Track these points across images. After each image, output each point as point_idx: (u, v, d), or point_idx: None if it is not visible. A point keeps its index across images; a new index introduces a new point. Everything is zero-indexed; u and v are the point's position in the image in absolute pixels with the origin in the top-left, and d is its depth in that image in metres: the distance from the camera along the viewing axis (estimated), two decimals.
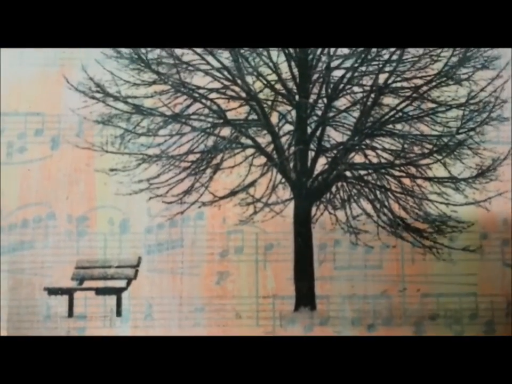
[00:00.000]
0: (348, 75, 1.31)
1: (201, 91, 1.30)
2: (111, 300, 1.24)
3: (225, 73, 1.30)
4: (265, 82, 1.31)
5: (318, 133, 1.30)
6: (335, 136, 1.31)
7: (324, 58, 1.32)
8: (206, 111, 1.30)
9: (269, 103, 1.31)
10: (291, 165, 1.30)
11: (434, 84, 1.31)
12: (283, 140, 1.30)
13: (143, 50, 1.31)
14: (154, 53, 1.31)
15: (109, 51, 1.31)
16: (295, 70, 1.31)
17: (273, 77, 1.31)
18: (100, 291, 1.25)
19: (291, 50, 1.32)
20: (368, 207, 1.29)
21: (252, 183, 1.29)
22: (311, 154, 1.30)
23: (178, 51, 1.31)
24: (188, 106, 1.30)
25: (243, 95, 1.30)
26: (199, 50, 1.31)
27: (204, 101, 1.30)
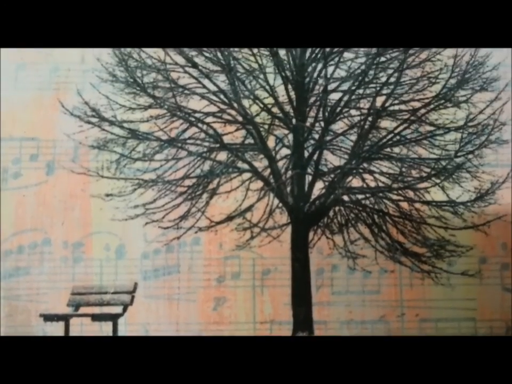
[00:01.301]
0: (345, 98, 1.30)
1: (197, 115, 1.29)
2: (107, 326, 1.23)
3: (222, 96, 1.30)
4: (261, 105, 1.30)
5: (315, 157, 1.30)
6: (332, 160, 1.30)
7: (320, 81, 1.31)
8: (202, 135, 1.29)
9: (266, 126, 1.30)
10: (288, 189, 1.29)
11: (432, 106, 1.30)
12: (280, 164, 1.30)
13: (138, 73, 1.30)
14: (150, 77, 1.30)
15: (104, 75, 1.30)
16: (292, 93, 1.31)
17: (269, 100, 1.30)
18: (96, 317, 1.24)
19: (288, 73, 1.31)
20: (366, 231, 1.28)
21: (249, 208, 1.28)
22: (308, 178, 1.29)
23: (174, 74, 1.30)
24: (184, 131, 1.29)
25: (239, 118, 1.29)
26: (195, 73, 1.30)
27: (200, 125, 1.29)
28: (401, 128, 1.30)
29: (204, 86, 1.30)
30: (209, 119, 1.30)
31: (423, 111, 1.31)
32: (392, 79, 1.31)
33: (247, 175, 1.29)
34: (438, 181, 1.29)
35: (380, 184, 1.30)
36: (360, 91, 1.31)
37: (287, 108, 1.31)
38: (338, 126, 1.31)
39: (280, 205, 1.29)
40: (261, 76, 1.31)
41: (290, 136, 1.31)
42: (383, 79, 1.31)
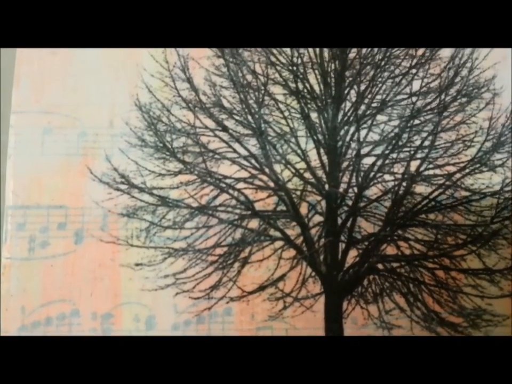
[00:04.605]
0: (379, 162, 1.28)
1: (228, 181, 1.26)
2: None
3: (253, 161, 1.27)
4: (293, 170, 1.27)
5: (348, 224, 1.27)
6: (366, 227, 1.27)
7: (353, 145, 1.28)
8: (233, 202, 1.26)
9: (298, 193, 1.27)
10: (321, 257, 1.26)
11: (467, 170, 1.28)
12: (313, 231, 1.27)
13: (168, 138, 1.27)
14: (179, 141, 1.28)
15: (133, 139, 1.27)
16: (324, 158, 1.28)
17: (301, 165, 1.28)
18: None
19: (320, 136, 1.28)
20: (401, 301, 1.25)
21: (281, 277, 1.25)
22: (342, 246, 1.26)
23: (204, 138, 1.28)
24: (215, 198, 1.26)
25: (271, 184, 1.26)
26: (225, 137, 1.28)
27: (231, 191, 1.26)
28: (436, 193, 1.27)
29: (235, 151, 1.27)
30: (240, 185, 1.27)
31: (458, 175, 1.28)
32: (427, 143, 1.28)
33: (279, 243, 1.26)
34: (474, 248, 1.26)
35: (415, 252, 1.27)
36: (394, 155, 1.29)
37: (320, 173, 1.28)
38: (372, 192, 1.28)
39: (313, 273, 1.26)
40: (293, 140, 1.28)
41: (323, 203, 1.28)
42: (417, 143, 1.29)
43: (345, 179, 1.28)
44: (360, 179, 1.27)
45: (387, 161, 1.28)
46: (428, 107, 1.29)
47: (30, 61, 1.29)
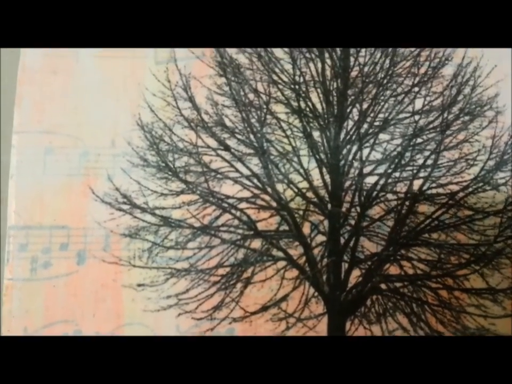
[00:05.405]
0: (381, 182, 1.27)
1: (230, 201, 1.26)
2: None
3: (255, 181, 1.27)
4: (296, 190, 1.27)
5: (351, 244, 1.26)
6: (369, 246, 1.27)
7: (356, 164, 1.28)
8: (236, 222, 1.26)
9: (301, 212, 1.27)
10: (324, 277, 1.25)
11: (470, 189, 1.27)
12: (315, 251, 1.26)
13: (170, 157, 1.27)
14: (181, 161, 1.27)
15: (135, 159, 1.27)
16: (327, 177, 1.27)
17: (304, 185, 1.27)
18: None
19: (322, 155, 1.28)
20: (404, 321, 1.25)
21: (284, 298, 1.25)
22: (345, 266, 1.26)
23: (206, 158, 1.27)
24: (217, 218, 1.26)
25: (274, 204, 1.26)
26: (227, 156, 1.27)
27: (233, 211, 1.26)
28: (439, 212, 1.27)
29: (237, 170, 1.27)
30: (242, 205, 1.26)
31: (461, 194, 1.28)
32: (429, 161, 1.28)
33: (282, 263, 1.26)
34: (477, 267, 1.26)
35: (418, 272, 1.26)
36: (397, 174, 1.28)
37: (322, 192, 1.27)
38: (375, 211, 1.28)
39: (316, 294, 1.25)
40: (295, 159, 1.28)
41: (326, 222, 1.27)
42: (420, 161, 1.28)
43: (347, 198, 1.27)
44: (362, 198, 1.27)
45: (390, 180, 1.28)
46: (431, 125, 1.29)
47: (32, 81, 1.29)
